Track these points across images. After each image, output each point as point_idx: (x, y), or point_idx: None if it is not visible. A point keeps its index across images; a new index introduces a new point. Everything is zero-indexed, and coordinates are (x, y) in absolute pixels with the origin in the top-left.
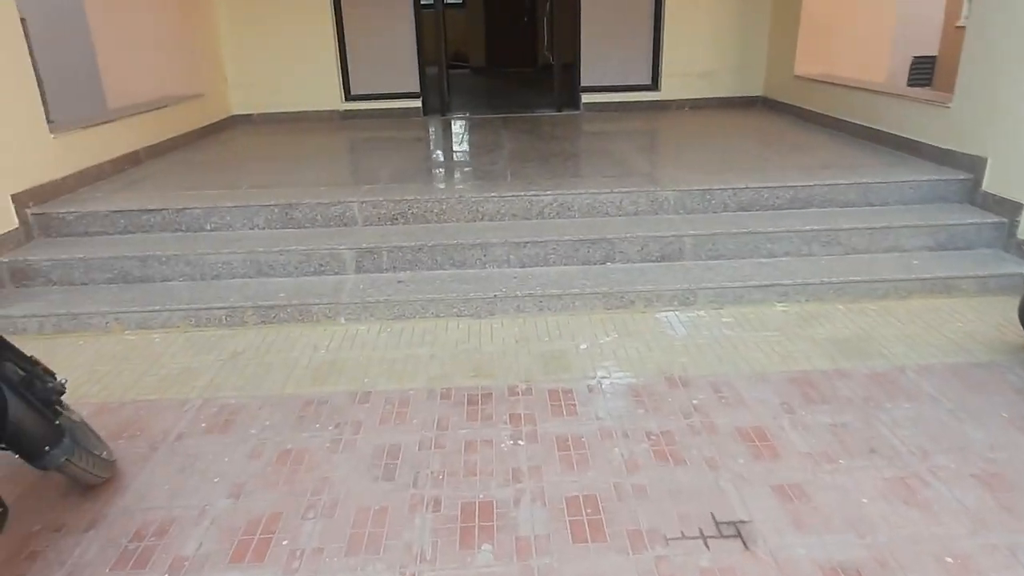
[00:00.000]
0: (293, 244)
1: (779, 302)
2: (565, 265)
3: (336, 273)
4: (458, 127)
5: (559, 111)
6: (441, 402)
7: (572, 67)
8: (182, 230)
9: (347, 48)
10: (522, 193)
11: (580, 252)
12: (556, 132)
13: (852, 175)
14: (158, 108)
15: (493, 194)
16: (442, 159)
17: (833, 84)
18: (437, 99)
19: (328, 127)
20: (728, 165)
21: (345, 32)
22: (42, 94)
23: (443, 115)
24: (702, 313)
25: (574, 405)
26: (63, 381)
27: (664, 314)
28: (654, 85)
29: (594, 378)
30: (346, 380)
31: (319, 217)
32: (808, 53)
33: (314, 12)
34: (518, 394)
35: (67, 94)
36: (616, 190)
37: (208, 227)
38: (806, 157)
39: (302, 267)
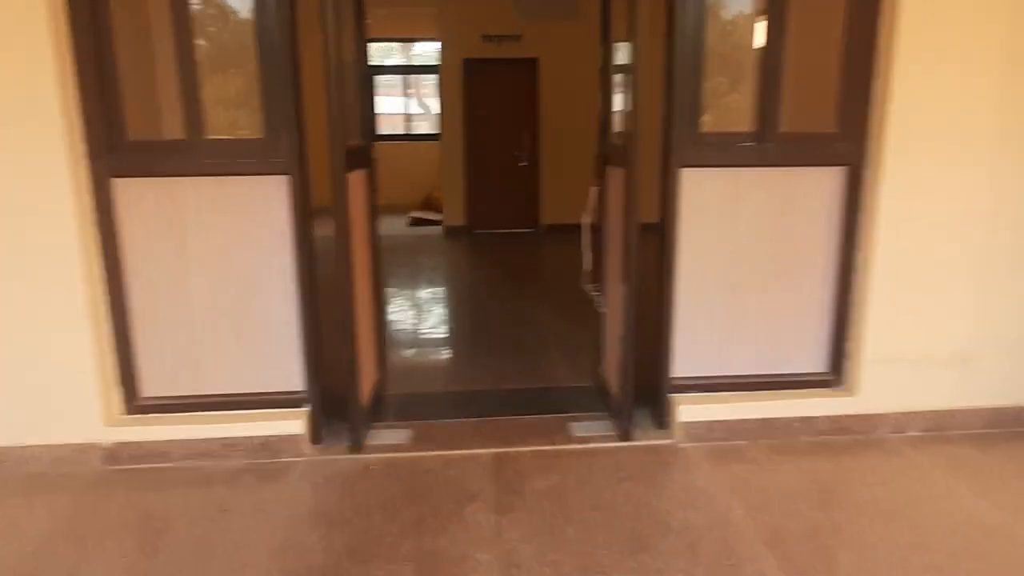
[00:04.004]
0: None
1: None
2: None
3: None
4: (390, 526)
5: (625, 439)
6: None
7: (659, 338)
8: None
9: (128, 286)
10: None
11: None
12: None
13: None
14: None
15: None
16: None
17: None
18: (345, 399)
19: (57, 502)
20: None
21: (125, 247)
22: None
23: (356, 446)
24: None
25: None
26: None
27: None
28: (835, 378)
29: None
30: None
31: None
32: None
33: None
34: None
35: None
36: None
37: None
38: None
39: None
